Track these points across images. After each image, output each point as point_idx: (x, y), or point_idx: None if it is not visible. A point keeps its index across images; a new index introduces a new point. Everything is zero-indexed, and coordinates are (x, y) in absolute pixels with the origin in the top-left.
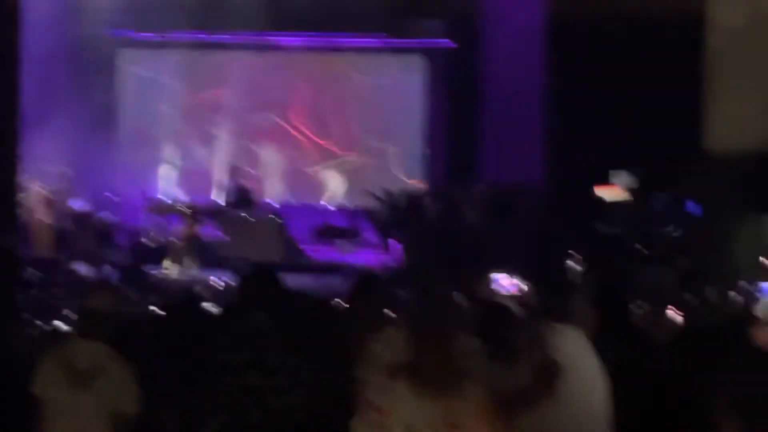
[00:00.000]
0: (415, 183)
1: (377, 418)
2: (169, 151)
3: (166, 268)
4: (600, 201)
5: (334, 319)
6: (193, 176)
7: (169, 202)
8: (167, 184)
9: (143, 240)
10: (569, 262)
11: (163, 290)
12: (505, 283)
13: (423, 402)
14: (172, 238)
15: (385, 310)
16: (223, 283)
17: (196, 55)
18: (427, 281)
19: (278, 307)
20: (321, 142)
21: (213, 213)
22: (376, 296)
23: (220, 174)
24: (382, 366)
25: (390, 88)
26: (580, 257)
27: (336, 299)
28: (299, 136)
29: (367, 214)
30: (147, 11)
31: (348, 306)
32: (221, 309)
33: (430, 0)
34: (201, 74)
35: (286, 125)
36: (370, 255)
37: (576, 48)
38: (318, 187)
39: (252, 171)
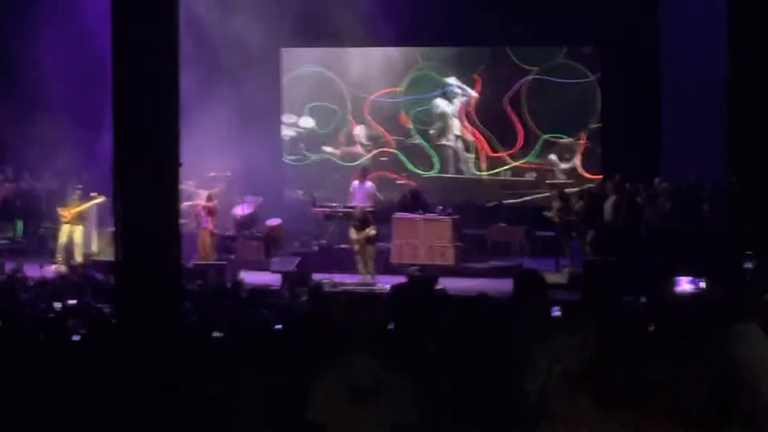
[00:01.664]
0: (594, 181)
1: (563, 430)
2: (333, 150)
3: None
4: None
5: (499, 323)
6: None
7: (336, 205)
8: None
9: (314, 246)
10: (753, 260)
11: (332, 300)
12: (688, 283)
13: (609, 412)
14: (349, 244)
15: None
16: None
17: (358, 52)
18: (609, 285)
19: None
20: (492, 153)
21: (378, 216)
22: (539, 295)
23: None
24: (559, 375)
25: (565, 82)
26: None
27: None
28: (470, 137)
29: (544, 215)
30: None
31: (513, 306)
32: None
33: None
34: (364, 71)
35: (460, 124)
36: (548, 258)
37: (760, 36)
38: (489, 190)
39: (422, 173)
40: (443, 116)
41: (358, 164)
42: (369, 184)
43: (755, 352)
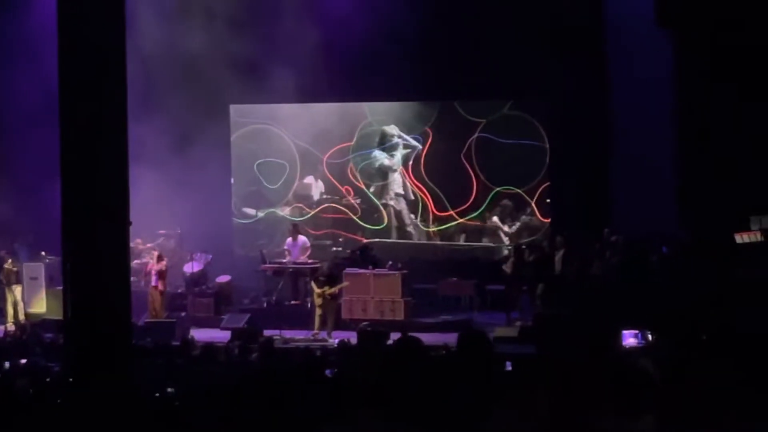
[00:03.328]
0: (544, 235)
1: None
2: (284, 207)
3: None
4: (738, 247)
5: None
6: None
7: (286, 262)
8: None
9: (264, 302)
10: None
11: (284, 355)
12: (633, 338)
13: None
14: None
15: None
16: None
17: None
18: (560, 339)
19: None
20: (438, 213)
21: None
22: (483, 354)
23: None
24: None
25: (514, 143)
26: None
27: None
28: (414, 195)
29: (494, 269)
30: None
31: (458, 364)
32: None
33: (556, 49)
34: (314, 127)
35: (402, 180)
36: (498, 312)
37: (705, 90)
38: (437, 243)
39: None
40: (382, 171)
41: (300, 220)
42: (302, 239)
43: None
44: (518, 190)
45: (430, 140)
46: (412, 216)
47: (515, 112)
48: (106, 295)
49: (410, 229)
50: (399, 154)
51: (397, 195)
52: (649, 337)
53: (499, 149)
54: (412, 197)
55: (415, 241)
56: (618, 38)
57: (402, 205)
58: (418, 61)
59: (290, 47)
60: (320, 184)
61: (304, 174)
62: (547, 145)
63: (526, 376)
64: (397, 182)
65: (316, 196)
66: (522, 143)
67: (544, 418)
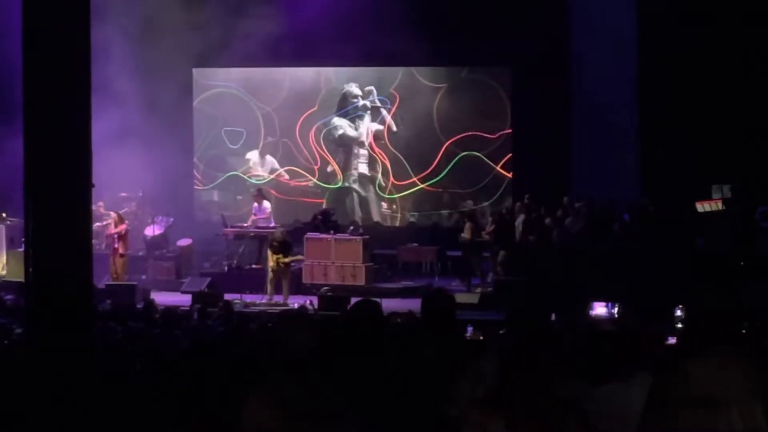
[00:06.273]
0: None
1: None
2: (245, 170)
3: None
4: (699, 215)
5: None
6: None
7: (247, 226)
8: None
9: (225, 266)
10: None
11: (245, 320)
12: (603, 307)
13: None
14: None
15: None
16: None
17: (271, 72)
18: (521, 306)
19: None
20: (398, 182)
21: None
22: (446, 316)
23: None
24: (473, 401)
25: (477, 100)
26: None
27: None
28: (379, 159)
29: (454, 235)
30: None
31: (423, 329)
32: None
33: (519, 15)
34: (277, 92)
35: (368, 152)
36: (457, 279)
37: (670, 59)
38: (395, 208)
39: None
40: (345, 142)
41: (259, 184)
42: (267, 204)
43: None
44: (480, 155)
45: (397, 103)
46: (383, 204)
47: (476, 75)
48: (68, 258)
49: (377, 218)
50: (364, 124)
51: (363, 177)
52: (618, 308)
53: (461, 113)
54: (379, 171)
55: (378, 220)
56: (581, 5)
57: (369, 191)
58: (383, 26)
59: (255, 11)
60: (269, 159)
61: (268, 137)
62: (509, 110)
63: (488, 342)
64: (362, 158)
65: (266, 172)
66: (483, 105)
67: (501, 384)
